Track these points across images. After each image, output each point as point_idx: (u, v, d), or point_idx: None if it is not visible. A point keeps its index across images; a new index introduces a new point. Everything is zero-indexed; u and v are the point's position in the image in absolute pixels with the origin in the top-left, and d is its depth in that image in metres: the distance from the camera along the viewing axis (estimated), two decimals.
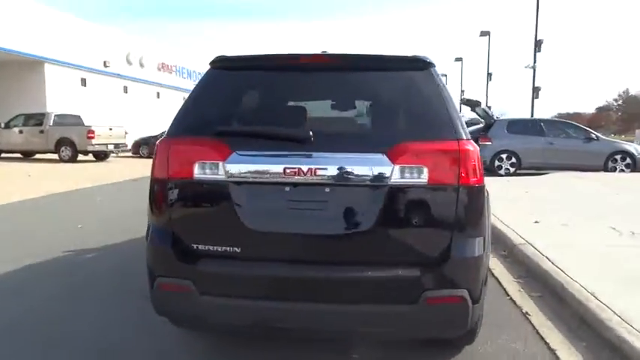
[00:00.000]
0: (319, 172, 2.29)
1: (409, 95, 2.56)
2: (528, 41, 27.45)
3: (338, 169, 2.29)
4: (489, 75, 31.76)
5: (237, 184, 2.33)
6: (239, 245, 2.34)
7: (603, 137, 15.05)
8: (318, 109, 3.09)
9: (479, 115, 12.84)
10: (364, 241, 2.30)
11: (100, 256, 4.92)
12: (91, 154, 18.47)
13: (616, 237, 5.24)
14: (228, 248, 2.35)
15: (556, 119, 18.16)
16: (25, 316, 3.33)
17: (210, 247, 2.37)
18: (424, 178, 2.28)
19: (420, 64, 2.57)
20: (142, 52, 29.97)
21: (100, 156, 18.93)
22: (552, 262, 4.16)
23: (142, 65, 29.95)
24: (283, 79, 2.68)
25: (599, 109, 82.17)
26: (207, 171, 2.36)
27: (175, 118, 2.56)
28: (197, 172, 2.36)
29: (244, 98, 2.75)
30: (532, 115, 25.97)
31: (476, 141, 9.66)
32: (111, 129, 18.71)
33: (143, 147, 21.87)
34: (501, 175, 13.11)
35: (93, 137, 17.52)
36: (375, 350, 2.84)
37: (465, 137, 2.36)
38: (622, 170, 13.59)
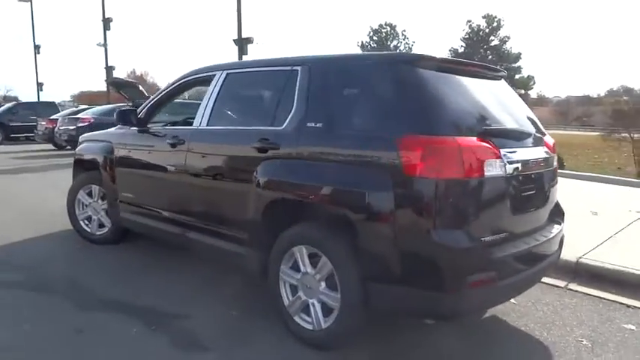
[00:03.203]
0: (542, 162, 3.00)
1: (517, 97, 3.37)
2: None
3: (545, 159, 3.04)
4: (37, 47, 31.31)
5: (508, 178, 2.67)
6: (506, 230, 2.68)
7: None
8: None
9: (126, 97, 12.91)
10: (549, 209, 3.19)
11: None
12: None
13: None
14: (502, 234, 2.64)
15: None
16: None
17: (492, 237, 2.58)
18: (556, 162, 3.28)
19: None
20: None
21: None
22: None
23: None
24: (472, 84, 2.95)
25: None
26: (492, 169, 2.54)
27: (425, 114, 2.55)
28: (487, 170, 2.51)
29: (461, 98, 2.81)
30: None
31: None
32: None
33: None
34: None
35: None
36: None
37: None
38: None
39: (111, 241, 4.74)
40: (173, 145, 3.74)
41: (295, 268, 2.95)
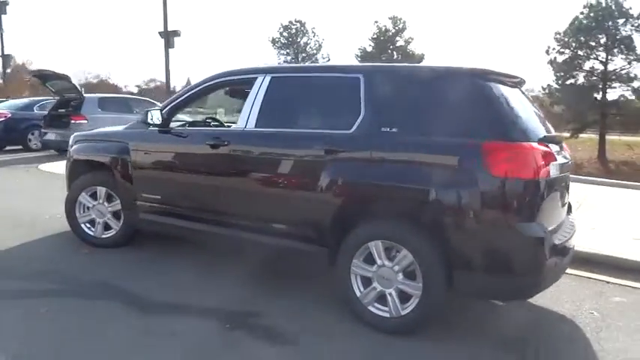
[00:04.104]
0: (569, 163, 3.50)
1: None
2: None
3: (569, 160, 3.51)
4: None
5: (559, 178, 3.18)
6: (557, 222, 3.23)
7: None
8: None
9: (53, 90, 12.55)
10: None
11: None
12: None
13: None
14: (555, 225, 3.17)
15: (139, 97, 16.93)
16: None
17: (552, 227, 3.07)
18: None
19: None
20: None
21: None
22: None
23: None
24: (516, 94, 3.34)
25: None
26: (553, 170, 3.02)
27: (503, 122, 2.96)
28: (551, 171, 2.98)
29: (517, 107, 3.16)
30: None
31: (61, 118, 11.28)
32: None
33: None
34: None
35: None
36: None
37: None
38: None
39: (120, 243, 4.59)
40: (214, 147, 3.77)
41: (369, 261, 3.19)
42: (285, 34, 52.05)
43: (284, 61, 52.42)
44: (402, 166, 3.09)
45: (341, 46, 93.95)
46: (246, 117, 3.72)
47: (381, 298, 3.17)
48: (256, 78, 3.79)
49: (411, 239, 3.03)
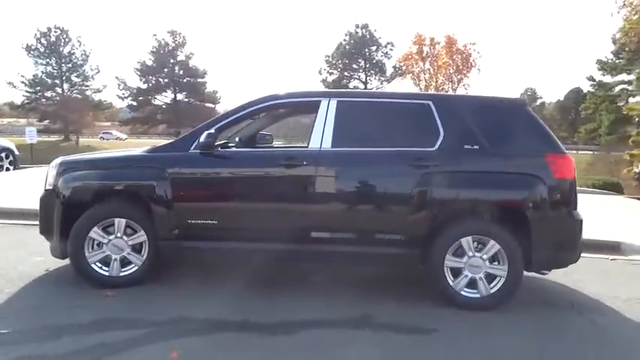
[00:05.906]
0: None
1: None
2: None
3: None
4: None
5: None
6: None
7: None
8: None
9: None
10: None
11: None
12: None
13: None
14: None
15: None
16: None
17: None
18: None
19: None
20: None
21: None
22: None
23: None
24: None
25: None
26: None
27: (553, 139, 4.02)
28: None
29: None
30: None
31: None
32: None
33: None
34: None
35: None
36: None
37: None
38: (8, 168, 12.56)
39: (142, 279, 4.16)
40: (290, 167, 3.93)
41: (458, 254, 3.90)
42: (43, 41, 45.98)
43: (42, 72, 46.49)
44: (489, 175, 3.93)
45: (116, 59, 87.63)
46: (320, 138, 3.99)
47: (470, 283, 3.92)
48: (320, 101, 4.09)
49: (498, 232, 3.87)
